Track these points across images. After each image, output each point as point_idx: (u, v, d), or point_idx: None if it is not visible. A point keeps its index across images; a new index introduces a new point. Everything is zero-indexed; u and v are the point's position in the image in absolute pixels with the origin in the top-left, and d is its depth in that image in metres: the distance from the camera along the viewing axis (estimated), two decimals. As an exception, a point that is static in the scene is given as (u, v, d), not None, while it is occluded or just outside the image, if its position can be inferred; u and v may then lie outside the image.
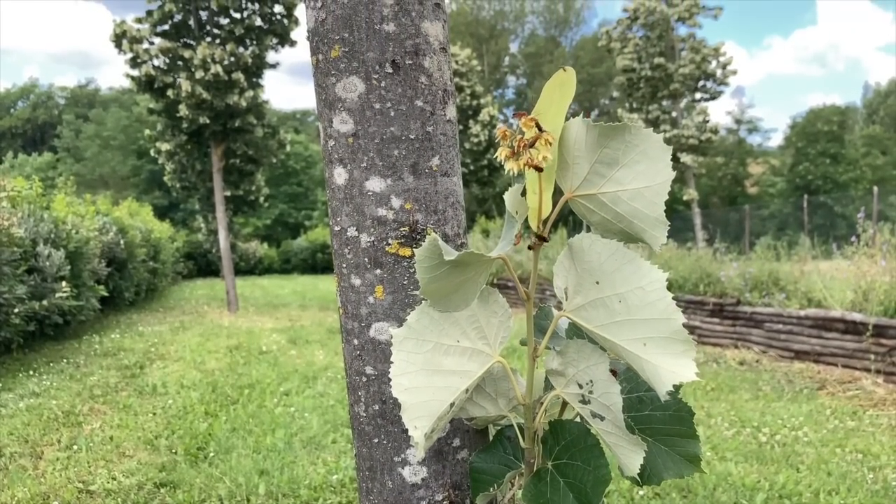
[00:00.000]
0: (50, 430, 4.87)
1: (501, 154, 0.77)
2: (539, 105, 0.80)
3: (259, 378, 6.62)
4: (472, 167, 25.03)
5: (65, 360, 7.39)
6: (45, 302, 7.51)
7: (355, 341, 0.95)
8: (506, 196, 0.78)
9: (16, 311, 6.92)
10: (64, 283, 7.92)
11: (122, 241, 11.38)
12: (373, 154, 0.90)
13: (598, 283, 0.75)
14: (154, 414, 5.38)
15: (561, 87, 0.79)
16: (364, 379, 0.94)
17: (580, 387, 0.80)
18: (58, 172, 38.23)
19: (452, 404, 0.77)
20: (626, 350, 0.73)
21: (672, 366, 0.70)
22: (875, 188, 16.90)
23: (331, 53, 0.91)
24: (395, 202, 0.91)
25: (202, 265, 23.98)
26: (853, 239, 7.70)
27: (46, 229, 8.27)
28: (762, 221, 28.01)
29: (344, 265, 0.95)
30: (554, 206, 0.81)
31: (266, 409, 5.49)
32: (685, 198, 22.61)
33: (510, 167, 0.76)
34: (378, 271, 0.92)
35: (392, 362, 0.77)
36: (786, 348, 7.16)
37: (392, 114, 0.90)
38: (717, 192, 41.73)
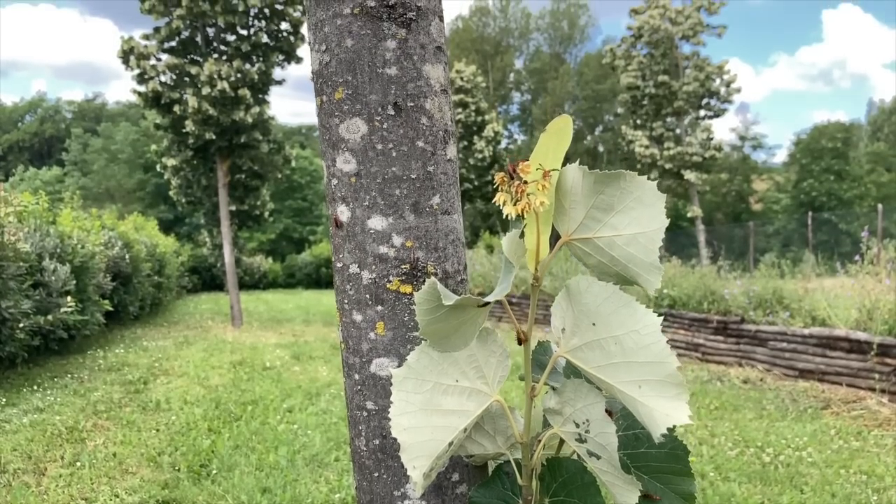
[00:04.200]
0: (53, 446, 4.88)
1: (500, 199, 0.79)
2: (537, 151, 0.82)
3: (262, 394, 6.62)
4: (476, 182, 25.10)
5: (69, 375, 7.40)
6: (49, 317, 7.54)
7: (356, 376, 0.96)
8: (503, 241, 0.80)
9: (21, 325, 6.94)
10: (69, 298, 7.95)
11: (127, 256, 11.42)
12: (375, 193, 0.92)
13: (594, 324, 0.77)
14: (157, 430, 5.39)
15: (558, 134, 0.81)
16: (365, 414, 0.96)
17: (577, 426, 0.81)
18: (65, 186, 38.43)
19: (451, 443, 0.78)
20: (622, 392, 0.75)
21: (666, 409, 0.71)
22: (879, 206, 16.89)
23: (334, 95, 0.94)
24: (397, 240, 0.93)
25: (207, 279, 24.01)
26: (857, 258, 7.70)
27: (52, 244, 8.31)
28: (767, 238, 28.00)
29: (346, 301, 0.97)
30: (551, 248, 0.83)
31: (269, 426, 5.50)
32: (689, 215, 22.62)
33: (508, 212, 0.78)
34: (379, 308, 0.93)
35: (392, 401, 0.79)
36: (790, 367, 7.15)
37: (394, 154, 0.92)
38: (721, 208, 41.72)
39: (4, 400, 6.21)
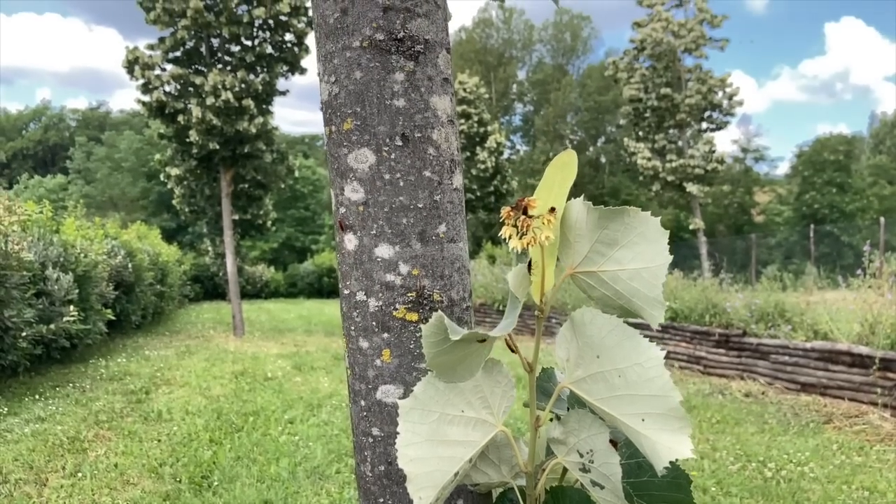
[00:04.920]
0: (55, 457, 4.88)
1: (506, 233, 0.80)
2: (542, 185, 0.84)
3: (264, 405, 6.62)
4: (478, 193, 25.15)
5: (71, 385, 7.41)
6: (52, 325, 7.56)
7: (362, 402, 0.98)
8: (509, 276, 0.81)
9: (23, 334, 6.96)
10: (71, 307, 7.97)
11: (130, 265, 11.44)
12: (382, 222, 0.94)
13: (598, 356, 0.78)
14: (159, 441, 5.39)
15: (563, 169, 0.82)
16: (370, 440, 0.97)
17: (581, 455, 0.82)
18: (69, 194, 38.52)
19: (456, 474, 0.79)
20: (625, 424, 0.76)
21: (669, 442, 0.72)
22: (882, 219, 16.89)
23: (343, 126, 0.95)
24: (403, 268, 0.94)
25: (209, 288, 24.02)
26: (859, 272, 7.70)
27: (55, 253, 8.34)
28: (769, 250, 27.97)
29: (352, 328, 0.98)
30: (556, 280, 0.84)
31: (270, 438, 5.50)
32: (691, 227, 22.63)
33: (514, 245, 0.79)
34: (385, 335, 0.95)
35: (398, 432, 0.80)
36: (792, 380, 7.14)
37: (401, 184, 0.94)
38: (723, 220, 41.71)
39: (6, 409, 6.21)
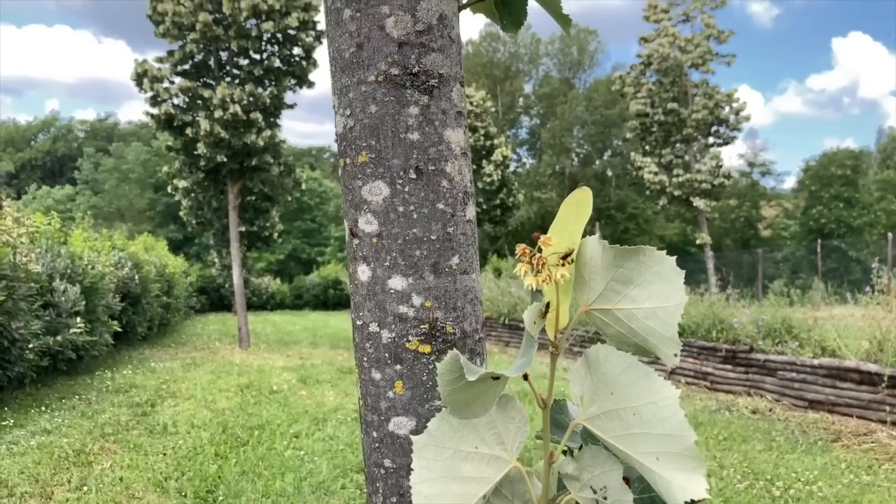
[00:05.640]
0: (60, 470, 4.88)
1: (521, 270, 0.81)
2: (557, 222, 0.84)
3: (269, 419, 6.62)
4: (484, 206, 25.17)
5: (77, 397, 7.42)
6: (59, 337, 7.58)
7: (374, 434, 0.98)
8: (525, 314, 0.82)
9: (30, 346, 6.98)
10: (78, 319, 8.00)
11: (136, 277, 11.48)
12: (395, 254, 0.94)
13: (612, 394, 0.78)
14: (164, 454, 5.39)
15: (578, 206, 0.83)
16: (382, 471, 0.97)
17: (594, 492, 0.82)
18: (76, 205, 38.69)
19: (470, 511, 0.79)
20: (640, 462, 0.76)
21: (683, 482, 0.72)
22: (889, 234, 16.83)
23: (358, 158, 0.96)
24: (416, 300, 0.94)
25: (215, 300, 24.06)
26: (867, 288, 7.67)
27: (63, 265, 8.37)
28: (775, 265, 27.91)
29: (365, 359, 0.98)
30: (570, 317, 0.84)
31: (276, 452, 5.49)
32: (698, 241, 22.58)
33: (529, 283, 0.79)
34: (398, 367, 0.95)
35: (413, 468, 0.80)
36: (799, 397, 7.10)
37: (415, 216, 0.94)
38: (729, 234, 41.64)
39: (13, 421, 6.22)
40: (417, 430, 0.93)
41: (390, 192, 0.94)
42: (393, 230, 0.94)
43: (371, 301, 0.96)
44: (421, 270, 0.94)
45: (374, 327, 0.96)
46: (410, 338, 0.94)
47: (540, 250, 0.80)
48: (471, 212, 0.99)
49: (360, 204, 0.96)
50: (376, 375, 0.96)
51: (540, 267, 0.79)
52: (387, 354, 0.95)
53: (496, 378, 0.78)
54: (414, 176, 0.94)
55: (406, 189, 0.94)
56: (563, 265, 0.79)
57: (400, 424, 0.95)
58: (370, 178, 0.95)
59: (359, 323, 0.99)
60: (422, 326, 0.94)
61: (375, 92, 0.94)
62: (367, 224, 0.95)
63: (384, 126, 0.94)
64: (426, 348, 0.94)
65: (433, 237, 0.94)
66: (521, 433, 0.83)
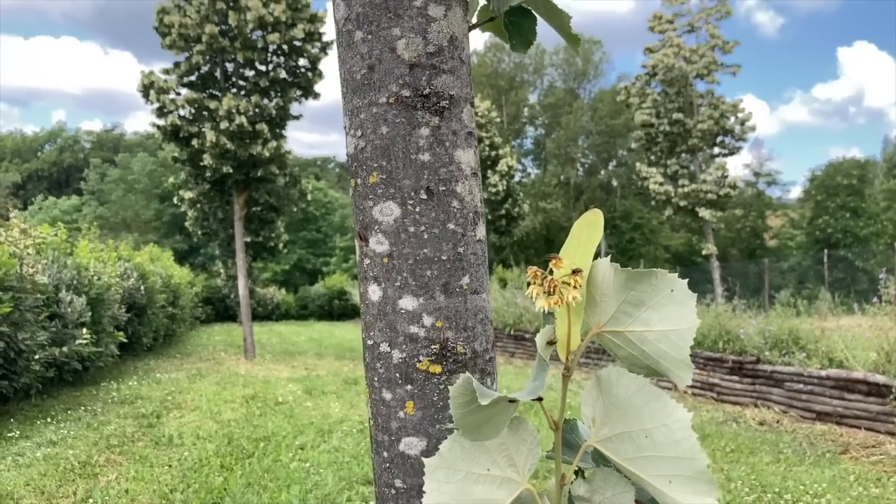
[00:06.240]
0: (66, 482, 4.88)
1: (533, 292, 0.81)
2: (568, 244, 0.84)
3: (275, 430, 6.61)
4: (489, 216, 25.20)
5: (82, 408, 7.43)
6: (65, 348, 7.60)
7: (385, 454, 0.98)
8: (537, 338, 0.82)
9: (36, 357, 7.00)
10: (84, 330, 8.02)
11: (142, 287, 11.50)
12: (406, 274, 0.95)
13: (624, 416, 0.78)
14: (170, 466, 5.38)
15: (589, 228, 0.83)
16: (393, 491, 0.97)
17: (606, 514, 0.82)
18: (82, 215, 38.83)
19: (482, 533, 0.79)
20: (651, 485, 0.76)
21: (696, 505, 0.72)
22: (896, 244, 16.79)
23: (369, 179, 0.97)
24: (427, 320, 0.95)
25: (220, 310, 24.08)
26: (875, 299, 7.64)
27: (69, 276, 8.40)
28: (782, 275, 27.84)
29: (376, 379, 0.99)
30: (582, 339, 0.84)
31: (281, 464, 5.48)
32: (704, 252, 22.55)
33: (541, 305, 0.80)
34: (409, 387, 0.95)
35: (423, 487, 0.80)
36: (807, 409, 7.07)
37: (426, 236, 0.95)
38: (735, 244, 41.56)
39: (18, 432, 6.23)
40: (428, 451, 0.93)
41: (401, 212, 0.95)
42: (404, 250, 0.95)
43: (382, 321, 0.97)
44: (431, 290, 0.94)
45: (384, 347, 0.96)
46: (421, 358, 0.94)
47: (551, 272, 0.80)
48: (481, 231, 1.00)
49: (370, 224, 0.97)
50: (387, 395, 0.97)
51: (552, 289, 0.79)
52: (397, 374, 0.95)
53: (510, 400, 0.78)
54: (425, 196, 0.94)
55: (417, 209, 0.94)
56: (574, 286, 0.79)
57: (411, 445, 0.95)
58: (381, 198, 0.96)
59: (369, 342, 0.99)
60: (432, 346, 0.94)
61: (387, 113, 0.95)
62: (378, 244, 0.96)
63: (395, 147, 0.95)
64: (437, 368, 0.94)
65: (444, 257, 0.95)
66: (533, 455, 0.83)
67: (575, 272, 0.80)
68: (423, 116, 0.94)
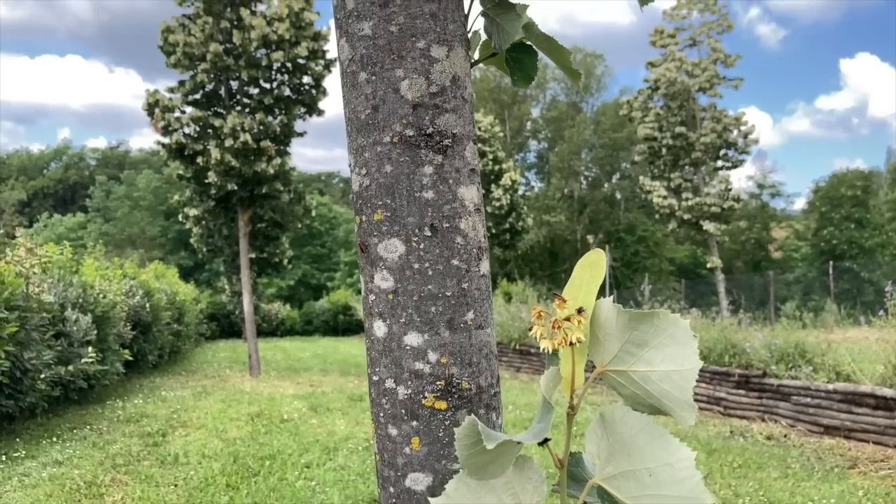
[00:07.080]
0: (72, 502, 4.87)
1: (537, 332, 0.82)
2: (571, 284, 0.85)
3: (280, 448, 6.60)
4: (493, 230, 25.21)
5: (88, 427, 7.42)
6: (70, 367, 7.61)
7: (391, 489, 0.98)
8: (542, 379, 0.83)
9: (42, 376, 7.01)
10: (90, 348, 8.03)
11: (147, 305, 11.52)
12: (411, 310, 0.96)
13: (629, 454, 0.78)
14: (175, 485, 5.37)
15: (591, 268, 0.84)
16: (400, 527, 0.97)
17: (611, 551, 0.82)
18: (88, 232, 38.95)
19: (488, 573, 0.80)
20: (656, 525, 0.76)
21: (701, 545, 0.72)
22: (901, 255, 16.73)
23: (374, 217, 0.98)
24: (432, 356, 0.95)
25: (225, 326, 24.08)
26: (881, 312, 7.61)
27: (75, 294, 8.42)
28: (787, 286, 27.76)
29: (381, 415, 0.99)
30: (586, 378, 0.85)
31: (287, 482, 5.46)
32: (709, 265, 22.50)
33: (545, 346, 0.80)
34: (414, 423, 0.96)
35: (429, 526, 0.81)
36: (814, 423, 7.03)
37: (430, 273, 0.96)
38: (740, 256, 41.47)
39: (24, 452, 6.23)
40: (434, 486, 0.94)
41: (406, 249, 0.96)
42: (408, 287, 0.96)
43: (387, 357, 0.97)
44: (436, 326, 0.95)
45: (390, 383, 0.97)
46: (426, 394, 0.95)
47: (556, 313, 0.81)
48: (485, 266, 1.01)
49: (375, 261, 0.98)
50: (393, 431, 0.97)
51: (555, 330, 0.80)
52: (403, 411, 0.96)
53: (518, 442, 0.79)
54: (429, 233, 0.95)
55: (421, 246, 0.95)
56: (578, 324, 0.80)
57: (417, 480, 0.95)
58: (386, 235, 0.97)
59: (375, 378, 1.00)
60: (438, 383, 0.95)
61: (391, 152, 0.96)
62: (383, 280, 0.97)
63: (399, 185, 0.96)
64: (442, 405, 0.95)
65: (448, 293, 0.96)
66: (539, 493, 0.83)
67: (578, 311, 0.80)
68: (427, 155, 0.96)
